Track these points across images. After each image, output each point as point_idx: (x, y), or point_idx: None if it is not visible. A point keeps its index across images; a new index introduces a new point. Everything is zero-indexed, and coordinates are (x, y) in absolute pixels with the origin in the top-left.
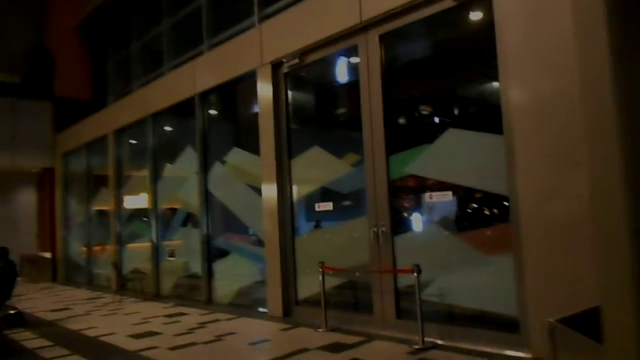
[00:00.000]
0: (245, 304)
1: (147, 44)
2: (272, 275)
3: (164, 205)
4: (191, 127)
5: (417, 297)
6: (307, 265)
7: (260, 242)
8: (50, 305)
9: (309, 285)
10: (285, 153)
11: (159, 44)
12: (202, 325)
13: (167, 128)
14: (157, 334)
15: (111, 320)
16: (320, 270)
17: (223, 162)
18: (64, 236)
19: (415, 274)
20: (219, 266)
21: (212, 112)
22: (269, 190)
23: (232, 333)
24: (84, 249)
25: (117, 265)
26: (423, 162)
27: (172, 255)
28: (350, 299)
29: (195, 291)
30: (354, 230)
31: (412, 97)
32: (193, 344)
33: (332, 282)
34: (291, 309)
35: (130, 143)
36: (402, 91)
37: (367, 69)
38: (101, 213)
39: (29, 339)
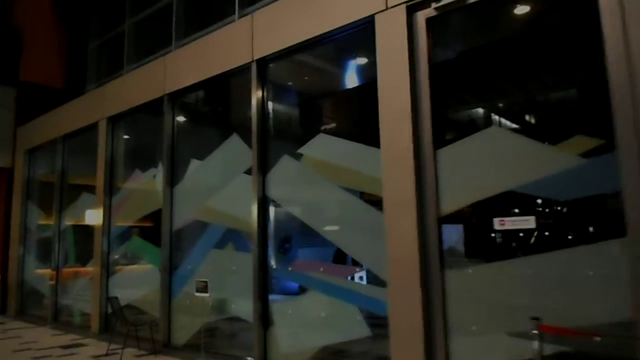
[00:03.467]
0: None
1: (146, 19)
2: (404, 330)
3: (184, 218)
4: (237, 107)
5: None
6: (471, 317)
7: (372, 278)
8: (12, 356)
9: (472, 349)
10: (429, 138)
11: (167, 14)
12: None
13: (193, 111)
14: None
15: None
16: (537, 331)
17: (297, 156)
18: (20, 255)
19: None
20: (283, 308)
21: (277, 84)
22: (399, 197)
23: None
24: (51, 272)
25: (117, 303)
26: None
27: (203, 289)
28: None
29: (234, 341)
30: (587, 262)
31: None
32: None
33: (517, 346)
34: None
35: (132, 134)
36: None
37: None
38: (78, 228)
39: None
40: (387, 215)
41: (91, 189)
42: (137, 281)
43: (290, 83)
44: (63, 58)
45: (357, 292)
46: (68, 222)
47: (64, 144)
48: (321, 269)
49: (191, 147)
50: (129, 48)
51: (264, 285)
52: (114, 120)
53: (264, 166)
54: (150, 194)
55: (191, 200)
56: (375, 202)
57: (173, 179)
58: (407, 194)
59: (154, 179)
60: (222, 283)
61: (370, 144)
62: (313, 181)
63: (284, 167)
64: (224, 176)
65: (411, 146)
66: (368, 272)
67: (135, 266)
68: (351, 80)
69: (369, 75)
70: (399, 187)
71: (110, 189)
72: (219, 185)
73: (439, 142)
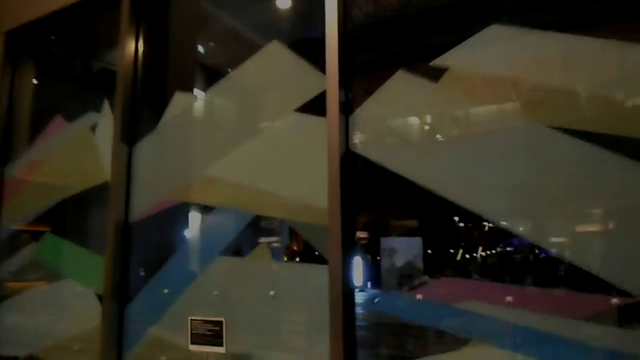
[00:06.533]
0: None
1: None
2: None
3: (155, 199)
4: None
5: None
6: None
7: None
8: None
9: None
10: None
11: None
12: None
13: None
14: None
15: None
16: None
17: (431, 72)
18: None
19: None
20: None
21: None
22: None
23: None
24: None
25: None
26: None
27: (211, 338)
28: None
29: None
30: None
31: None
32: None
33: None
34: None
35: (48, 58)
36: None
37: None
38: None
39: None
40: None
41: None
42: (51, 313)
43: None
44: None
45: (614, 349)
46: None
47: None
48: (508, 299)
49: (175, 68)
50: None
51: (351, 329)
52: (17, 37)
53: (348, 96)
54: (82, 159)
55: (171, 167)
56: None
57: (133, 129)
58: None
59: (93, 132)
60: (247, 324)
61: None
62: (479, 121)
63: (397, 95)
64: (247, 120)
65: None
66: None
67: (47, 285)
68: None
69: None
70: None
71: (5, 154)
72: (237, 138)
73: None
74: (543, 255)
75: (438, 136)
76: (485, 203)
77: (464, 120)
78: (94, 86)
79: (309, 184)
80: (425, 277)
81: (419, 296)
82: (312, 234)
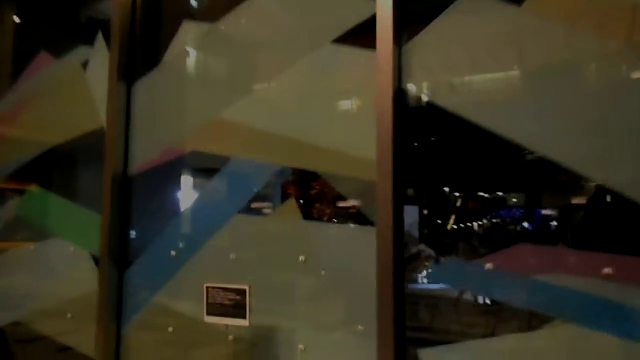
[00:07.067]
0: None
1: None
2: None
3: (159, 147)
4: None
5: None
6: None
7: None
8: None
9: None
10: None
11: None
12: None
13: None
14: None
15: None
16: None
17: None
18: None
19: None
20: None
21: None
22: None
23: None
24: None
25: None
26: None
27: (232, 309)
28: None
29: None
30: None
31: None
32: None
33: None
34: None
35: None
36: None
37: None
38: None
39: None
40: None
41: None
42: (40, 276)
43: None
44: None
45: None
46: None
47: None
48: (606, 271)
49: None
50: None
51: (401, 302)
52: None
53: (402, 24)
54: (73, 102)
55: (178, 110)
56: None
57: (132, 65)
58: None
59: (84, 69)
60: (271, 295)
61: None
62: (576, 54)
63: (466, 21)
64: (274, 53)
65: None
66: None
67: (34, 245)
68: None
69: None
70: None
71: None
72: (260, 74)
73: None
74: None
75: (520, 72)
76: (575, 154)
77: (555, 53)
78: (81, 37)
79: (351, 130)
80: (422, 246)
81: (488, 266)
82: (354, 191)
